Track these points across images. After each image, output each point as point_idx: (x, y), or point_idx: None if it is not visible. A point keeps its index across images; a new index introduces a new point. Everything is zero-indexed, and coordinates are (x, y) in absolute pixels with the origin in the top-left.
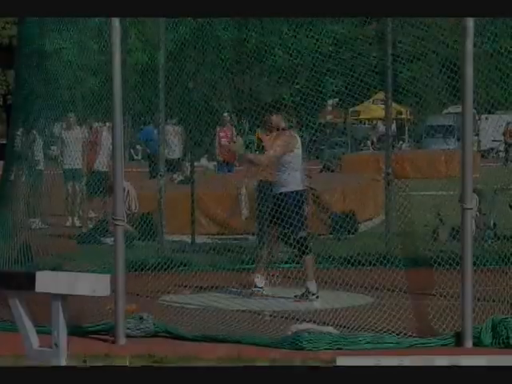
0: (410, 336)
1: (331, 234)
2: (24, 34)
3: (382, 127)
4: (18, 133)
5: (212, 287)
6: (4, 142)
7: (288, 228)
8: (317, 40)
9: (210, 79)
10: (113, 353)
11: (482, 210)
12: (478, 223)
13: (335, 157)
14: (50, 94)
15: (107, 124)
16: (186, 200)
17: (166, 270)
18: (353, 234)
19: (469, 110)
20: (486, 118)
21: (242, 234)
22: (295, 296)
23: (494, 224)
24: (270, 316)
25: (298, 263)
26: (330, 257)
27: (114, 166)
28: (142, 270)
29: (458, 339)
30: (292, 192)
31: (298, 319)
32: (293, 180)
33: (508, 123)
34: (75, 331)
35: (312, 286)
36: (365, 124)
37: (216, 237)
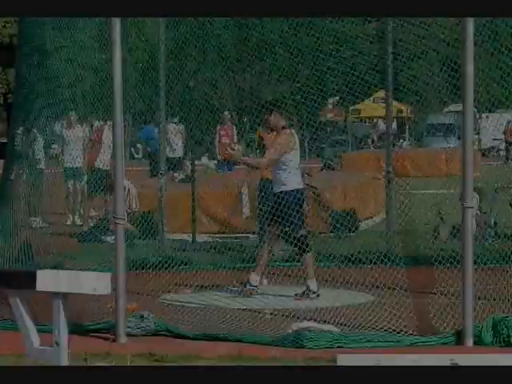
0: (411, 334)
1: (332, 232)
2: (24, 33)
3: (382, 125)
4: (19, 132)
5: (213, 286)
6: (4, 140)
7: (288, 226)
8: (317, 38)
9: (211, 78)
10: (113, 351)
11: (482, 209)
12: (478, 222)
13: (336, 155)
14: (51, 92)
15: (108, 122)
16: (186, 199)
17: (166, 268)
18: (353, 232)
19: (469, 109)
20: (487, 117)
21: (242, 233)
22: (296, 294)
23: (495, 223)
24: (271, 314)
25: (298, 261)
26: (330, 255)
27: (115, 165)
28: (142, 268)
29: (459, 338)
30: (292, 191)
31: (298, 317)
32: (292, 179)
33: (509, 122)
34: (76, 330)
35: (313, 284)
36: (365, 122)
37: (217, 235)
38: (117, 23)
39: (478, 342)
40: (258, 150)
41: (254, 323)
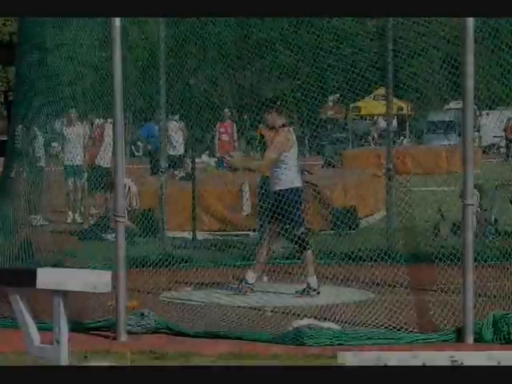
0: (411, 331)
1: (332, 229)
2: (24, 31)
3: (382, 123)
4: (19, 129)
5: (213, 284)
6: (5, 138)
7: (288, 224)
8: (317, 36)
9: (211, 75)
10: (114, 349)
11: (483, 206)
12: (479, 219)
13: (336, 152)
14: (51, 90)
15: (109, 120)
16: (187, 196)
17: (167, 266)
18: (354, 229)
19: (470, 106)
20: (487, 114)
21: (243, 231)
22: (296, 292)
23: (495, 220)
24: (271, 312)
25: (298, 259)
26: (331, 252)
27: (115, 163)
28: (143, 266)
29: (459, 335)
30: (290, 189)
31: (299, 315)
32: (291, 177)
33: (509, 119)
34: (76, 328)
35: (313, 281)
36: (366, 120)
37: (217, 233)
38: (117, 22)
39: (479, 339)
40: (259, 148)
41: (254, 321)
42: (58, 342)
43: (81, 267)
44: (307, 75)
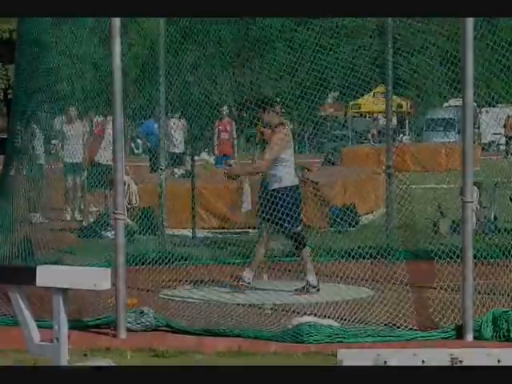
0: (411, 329)
1: (332, 227)
2: (24, 28)
3: (382, 120)
4: (19, 127)
5: (213, 281)
6: (5, 136)
7: (288, 222)
8: (317, 33)
9: (210, 73)
10: (113, 347)
11: (482, 203)
12: (478, 216)
13: (336, 150)
14: (51, 87)
15: (109, 117)
16: (186, 194)
17: (166, 263)
18: (353, 226)
19: (469, 103)
20: (487, 112)
21: (242, 228)
22: (296, 289)
23: (495, 217)
24: (271, 309)
25: (298, 256)
26: (330, 250)
27: (115, 160)
28: (142, 264)
29: (459, 332)
30: (287, 187)
31: (298, 312)
32: (287, 175)
33: (509, 116)
34: (76, 325)
35: (312, 279)
36: (365, 117)
37: (217, 231)
38: (116, 21)
39: (478, 336)
40: (259, 146)
41: (254, 318)
42: (57, 340)
43: (80, 265)
44: (307, 73)
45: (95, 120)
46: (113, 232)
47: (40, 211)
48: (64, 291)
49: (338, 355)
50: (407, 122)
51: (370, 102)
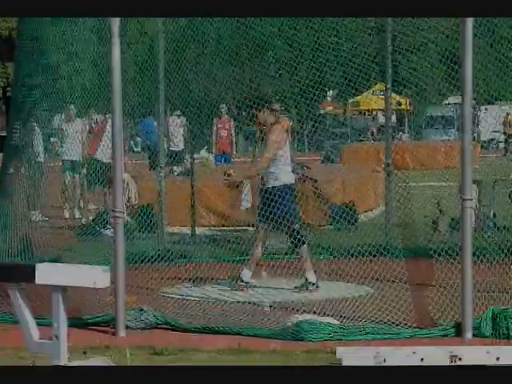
0: (410, 327)
1: (331, 224)
2: (24, 26)
3: (382, 118)
4: (18, 125)
5: (212, 279)
6: (4, 134)
7: (288, 220)
8: (316, 31)
9: (210, 71)
10: (113, 345)
11: (481, 201)
12: (477, 214)
13: (335, 148)
14: (50, 85)
15: (107, 116)
16: (186, 192)
17: (166, 261)
18: (353, 225)
19: (468, 101)
20: (486, 109)
21: (242, 226)
22: (295, 287)
23: (494, 215)
24: (270, 307)
25: (296, 254)
26: (330, 248)
27: (114, 158)
28: (142, 262)
29: (458, 330)
30: (284, 185)
31: (298, 310)
32: (284, 173)
33: (508, 114)
34: (75, 323)
35: (311, 276)
36: (365, 115)
37: (216, 228)
38: (116, 20)
39: (478, 334)
40: (259, 143)
41: (253, 316)
42: (57, 338)
43: (80, 263)
44: (306, 71)
45: (94, 118)
46: (112, 230)
47: (39, 209)
48: (63, 289)
49: (338, 353)
50: (406, 119)
51: (370, 99)
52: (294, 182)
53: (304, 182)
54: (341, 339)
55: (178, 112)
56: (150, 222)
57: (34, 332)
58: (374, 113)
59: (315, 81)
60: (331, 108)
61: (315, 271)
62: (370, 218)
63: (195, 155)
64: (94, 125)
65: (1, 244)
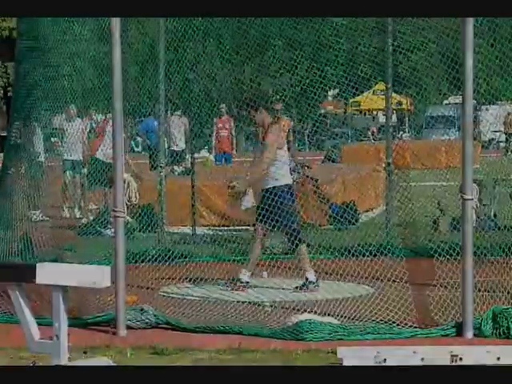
0: (411, 326)
1: (332, 224)
2: (24, 26)
3: (382, 118)
4: (19, 125)
5: (213, 278)
6: (4, 134)
7: (288, 220)
8: (317, 30)
9: (210, 70)
10: (113, 344)
11: (482, 201)
12: (478, 213)
13: (336, 147)
14: (50, 85)
15: (109, 115)
16: (186, 191)
17: (166, 261)
18: (353, 224)
19: (469, 101)
20: (487, 109)
21: (243, 225)
22: (296, 287)
23: (495, 214)
24: (271, 307)
25: (296, 253)
26: (330, 247)
27: (114, 158)
28: (142, 261)
29: (459, 330)
30: (282, 185)
31: (298, 310)
32: (283, 174)
33: (508, 113)
34: (76, 323)
35: (311, 275)
36: (365, 115)
37: (217, 228)
38: (116, 19)
39: (478, 334)
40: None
41: (254, 316)
42: (57, 338)
43: (80, 262)
44: (306, 70)
45: (95, 118)
46: (112, 230)
47: (40, 209)
48: (64, 289)
49: (338, 353)
50: (407, 119)
51: (370, 99)
52: (292, 182)
53: (305, 181)
54: (341, 339)
55: (179, 112)
56: (151, 221)
57: (35, 332)
58: (375, 112)
59: (316, 80)
60: (332, 107)
61: (316, 271)
62: (370, 218)
63: (195, 155)
64: (94, 124)
65: (1, 244)
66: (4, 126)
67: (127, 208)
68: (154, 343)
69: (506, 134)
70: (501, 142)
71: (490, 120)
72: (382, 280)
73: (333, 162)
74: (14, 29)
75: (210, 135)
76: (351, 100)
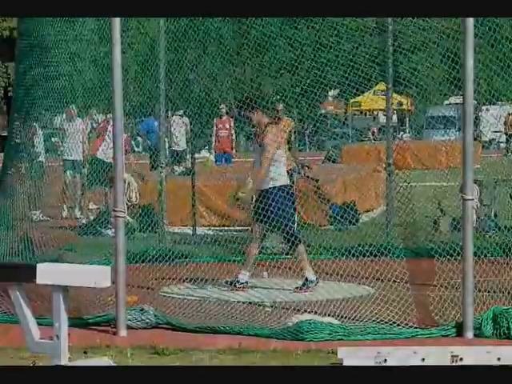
0: (411, 326)
1: (332, 224)
2: (24, 26)
3: (382, 118)
4: (19, 125)
5: (213, 279)
6: (5, 134)
7: (282, 219)
8: (317, 31)
9: (211, 70)
10: (114, 344)
11: (483, 201)
12: (478, 214)
13: (336, 147)
14: (51, 85)
15: (109, 115)
16: (186, 191)
17: (166, 261)
18: (354, 224)
19: (470, 101)
20: (487, 109)
21: (243, 225)
22: (296, 287)
23: (495, 215)
24: (271, 307)
25: (295, 253)
26: (331, 248)
27: (115, 158)
28: (142, 261)
29: (459, 330)
30: (280, 186)
31: (299, 310)
32: (281, 174)
33: (509, 114)
34: (76, 323)
35: (310, 274)
36: (366, 115)
37: (217, 228)
38: (117, 19)
39: (479, 334)
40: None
41: (254, 316)
42: (57, 338)
43: (80, 263)
44: (307, 70)
45: (95, 118)
46: (113, 230)
47: (40, 209)
48: (64, 289)
49: (338, 353)
50: (407, 119)
51: (371, 99)
52: (289, 182)
53: (305, 182)
54: (342, 339)
55: (181, 112)
56: (151, 221)
57: (35, 332)
58: (375, 113)
59: (316, 80)
60: (332, 108)
61: (316, 272)
62: (370, 218)
63: (196, 155)
64: (95, 124)
65: (1, 244)
66: (4, 126)
67: (127, 208)
68: (155, 343)
69: (506, 134)
70: (501, 142)
71: (490, 120)
72: (382, 280)
73: (333, 162)
74: (14, 29)
75: (210, 135)
76: (352, 100)
